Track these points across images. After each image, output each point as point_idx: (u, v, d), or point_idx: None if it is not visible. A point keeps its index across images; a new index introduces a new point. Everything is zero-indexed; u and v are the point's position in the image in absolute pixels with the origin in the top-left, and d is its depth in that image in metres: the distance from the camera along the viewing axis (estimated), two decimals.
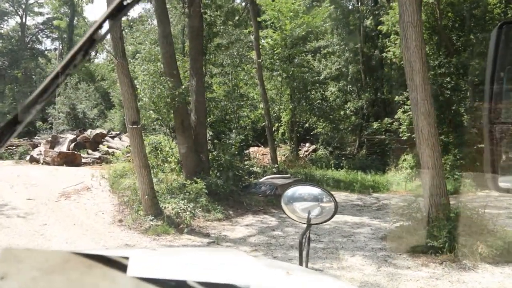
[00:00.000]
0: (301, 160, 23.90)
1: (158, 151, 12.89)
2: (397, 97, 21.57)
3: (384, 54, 22.48)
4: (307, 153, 26.54)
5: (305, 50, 22.33)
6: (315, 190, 2.28)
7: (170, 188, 11.60)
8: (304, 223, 2.11)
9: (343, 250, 7.77)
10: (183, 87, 11.85)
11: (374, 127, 22.48)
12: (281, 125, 24.83)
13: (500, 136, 1.21)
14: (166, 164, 13.06)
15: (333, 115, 25.97)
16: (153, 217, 9.37)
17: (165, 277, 0.62)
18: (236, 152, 13.50)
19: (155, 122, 15.23)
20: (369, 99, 25.59)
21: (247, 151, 20.56)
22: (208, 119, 16.72)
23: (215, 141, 14.74)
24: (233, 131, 15.18)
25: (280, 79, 20.62)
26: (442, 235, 7.26)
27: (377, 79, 27.17)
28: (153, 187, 9.82)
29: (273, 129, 22.14)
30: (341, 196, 14.98)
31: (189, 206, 10.14)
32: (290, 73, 20.29)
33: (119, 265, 0.58)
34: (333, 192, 9.05)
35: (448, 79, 18.65)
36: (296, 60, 20.60)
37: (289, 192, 2.26)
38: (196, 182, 10.90)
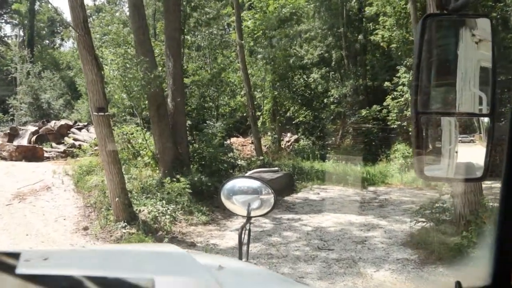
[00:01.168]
0: (284, 151, 22.53)
1: (130, 143, 11.16)
2: (386, 82, 20.40)
3: (372, 37, 21.21)
4: (289, 143, 25.17)
5: (289, 33, 20.81)
6: (254, 183, 2.18)
7: (146, 186, 10.00)
8: (244, 216, 2.03)
9: (362, 262, 6.37)
10: (160, 69, 10.18)
11: (363, 114, 21.21)
12: (262, 114, 23.35)
13: (426, 127, 1.19)
14: (140, 158, 11.39)
15: (316, 103, 24.70)
16: (125, 224, 7.76)
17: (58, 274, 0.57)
18: (220, 144, 11.93)
19: (126, 111, 13.53)
20: (353, 86, 24.31)
21: (229, 141, 19.02)
22: (186, 107, 15.13)
23: (195, 131, 13.13)
24: (216, 119, 13.55)
25: (262, 63, 19.03)
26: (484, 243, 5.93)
27: (361, 65, 25.96)
28: (125, 186, 8.18)
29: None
30: (335, 190, 13.66)
31: (168, 209, 8.55)
32: (272, 56, 18.70)
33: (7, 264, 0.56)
34: (326, 186, 11.58)
35: None
36: (279, 43, 19.02)
37: (229, 184, 2.17)
38: (177, 180, 9.31)
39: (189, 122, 13.60)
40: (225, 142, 16.54)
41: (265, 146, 23.99)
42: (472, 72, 1.12)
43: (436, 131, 1.25)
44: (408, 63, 18.78)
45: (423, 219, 7.62)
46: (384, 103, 20.51)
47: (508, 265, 0.79)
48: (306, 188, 13.89)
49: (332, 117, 25.48)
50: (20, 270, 0.55)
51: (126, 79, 9.82)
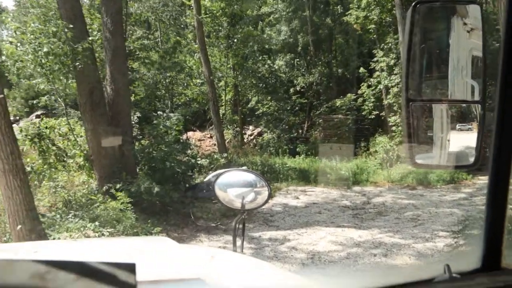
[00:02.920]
0: (247, 146, 20.15)
1: (44, 142, 8.34)
2: (361, 69, 18.39)
3: (345, 18, 19.09)
4: (251, 137, 22.81)
5: (251, 13, 18.37)
6: (248, 176, 2.19)
7: (76, 198, 7.34)
8: (239, 209, 2.01)
9: None
10: (91, 39, 7.48)
11: (337, 104, 19.09)
12: (221, 105, 20.82)
13: (417, 114, 1.21)
14: (70, 159, 8.65)
15: (281, 92, 22.43)
16: None
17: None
18: (175, 140, 9.36)
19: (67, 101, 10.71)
20: (321, 73, 22.19)
21: (185, 136, 16.39)
22: (133, 97, 12.39)
23: (145, 125, 10.47)
24: (171, 110, 10.87)
25: (222, 45, 16.44)
26: None
27: (329, 51, 23.92)
28: (34, 206, 5.49)
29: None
30: (317, 193, 11.42)
31: (103, 234, 5.93)
32: (232, 37, 16.16)
33: (125, 272, 0.57)
34: (304, 188, 11.25)
35: None
36: (239, 23, 16.45)
37: (223, 178, 2.13)
38: (113, 196, 6.70)
39: (137, 114, 10.90)
40: (181, 138, 13.94)
41: (226, 140, 21.52)
42: (464, 60, 1.11)
43: (427, 121, 1.24)
44: (386, 46, 16.82)
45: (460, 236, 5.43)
46: (359, 91, 18.53)
47: (497, 250, 0.80)
48: (281, 191, 11.58)
49: (297, 107, 23.37)
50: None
51: (42, 53, 7.04)
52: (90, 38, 7.40)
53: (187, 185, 9.38)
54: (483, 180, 12.97)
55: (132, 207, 6.82)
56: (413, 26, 1.07)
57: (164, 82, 13.27)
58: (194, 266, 1.13)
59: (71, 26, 7.12)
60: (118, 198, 6.59)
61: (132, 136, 8.91)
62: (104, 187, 7.52)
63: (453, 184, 12.26)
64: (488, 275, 0.81)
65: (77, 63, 7.30)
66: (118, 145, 8.04)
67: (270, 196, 2.21)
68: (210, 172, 12.13)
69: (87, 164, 8.68)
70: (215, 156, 12.82)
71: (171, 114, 8.97)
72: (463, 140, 1.23)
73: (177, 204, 8.20)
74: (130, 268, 0.58)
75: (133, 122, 10.18)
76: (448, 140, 1.27)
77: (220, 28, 15.22)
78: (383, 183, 12.68)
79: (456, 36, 1.11)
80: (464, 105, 1.25)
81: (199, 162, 11.73)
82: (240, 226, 2.00)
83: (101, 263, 0.60)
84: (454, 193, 11.02)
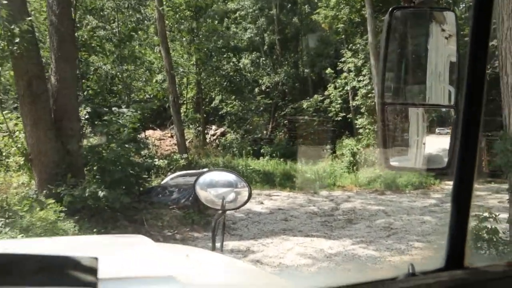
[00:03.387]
0: (209, 146, 19.35)
1: None
2: (328, 69, 17.95)
3: (312, 17, 18.63)
4: (214, 137, 22.03)
5: (217, 9, 17.56)
6: (229, 176, 2.17)
7: (12, 202, 6.37)
8: (219, 209, 1.99)
9: None
10: (29, 19, 6.53)
11: (304, 106, 18.56)
12: (184, 103, 19.93)
13: (392, 118, 1.24)
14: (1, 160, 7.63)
15: (245, 91, 21.76)
16: None
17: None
18: (131, 138, 8.46)
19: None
20: (287, 73, 21.65)
21: (143, 135, 15.42)
22: (85, 92, 11.41)
23: (96, 121, 9.49)
24: (127, 107, 9.93)
25: (185, 40, 15.55)
26: None
27: (296, 51, 23.46)
28: None
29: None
30: (282, 197, 10.79)
31: None
32: (196, 31, 15.29)
33: (88, 266, 0.56)
34: (269, 192, 10.65)
35: None
36: (205, 16, 15.60)
37: (204, 177, 2.12)
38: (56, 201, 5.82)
39: (88, 109, 9.91)
40: (138, 136, 13.00)
41: (187, 140, 20.63)
42: (441, 65, 1.14)
43: (403, 124, 1.28)
44: (354, 47, 16.45)
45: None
46: (326, 93, 18.11)
47: (460, 250, 0.83)
48: None
49: (262, 107, 22.77)
50: None
51: None
52: (29, 19, 6.43)
53: (141, 189, 8.51)
54: (450, 185, 12.70)
55: (71, 215, 5.94)
56: (390, 30, 1.08)
57: (121, 76, 12.26)
58: (167, 264, 1.12)
59: (6, 2, 6.16)
60: (49, 207, 5.68)
61: (80, 133, 7.97)
62: (45, 191, 6.59)
63: (422, 189, 11.95)
64: (450, 273, 0.83)
65: (15, 47, 6.34)
66: (62, 143, 7.11)
67: (250, 197, 2.13)
68: (169, 174, 11.29)
69: (27, 164, 7.69)
70: (175, 157, 11.98)
71: (125, 110, 8.02)
72: (441, 143, 1.23)
73: (129, 211, 7.33)
74: (92, 262, 0.56)
75: (83, 118, 9.22)
76: (424, 144, 1.30)
77: (183, 21, 14.29)
78: (351, 187, 12.21)
79: (434, 41, 1.13)
80: (441, 109, 1.28)
81: (156, 163, 10.88)
82: (220, 226, 2.00)
83: (62, 257, 0.58)
84: (424, 198, 10.67)
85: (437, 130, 1.35)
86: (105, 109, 8.93)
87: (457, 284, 0.83)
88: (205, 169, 11.36)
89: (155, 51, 14.17)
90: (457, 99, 1.09)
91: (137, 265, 1.11)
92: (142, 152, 11.14)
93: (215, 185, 2.09)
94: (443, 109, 1.26)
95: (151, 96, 17.45)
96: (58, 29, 7.32)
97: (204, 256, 1.47)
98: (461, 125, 0.83)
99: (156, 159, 11.10)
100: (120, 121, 8.04)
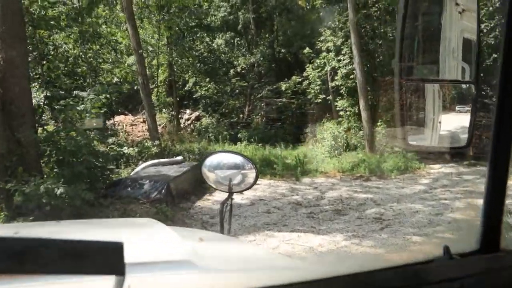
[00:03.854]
0: (184, 131, 18.44)
1: None
2: (307, 49, 17.16)
3: None
4: (189, 121, 21.11)
5: None
6: (236, 158, 2.14)
7: None
8: (226, 191, 2.01)
9: None
10: None
11: (282, 88, 17.79)
12: (156, 86, 18.88)
13: (410, 94, 1.27)
14: None
15: (220, 73, 20.83)
16: None
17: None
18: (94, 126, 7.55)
19: None
20: (263, 54, 20.77)
21: (112, 121, 14.42)
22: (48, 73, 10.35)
23: (56, 106, 8.49)
24: (90, 90, 8.90)
25: (154, 16, 14.44)
26: None
27: (272, 30, 22.54)
28: None
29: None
30: (262, 186, 10.05)
31: None
32: (167, 9, 14.20)
33: (113, 251, 0.55)
34: None
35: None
36: None
37: (210, 159, 2.13)
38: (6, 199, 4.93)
39: (46, 93, 8.87)
40: (107, 123, 12.03)
41: (160, 125, 19.64)
42: (455, 41, 1.11)
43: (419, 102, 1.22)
44: (333, 25, 15.68)
45: None
46: (304, 74, 17.35)
47: (496, 232, 0.82)
48: None
49: (238, 90, 21.91)
50: None
51: None
52: None
53: (108, 182, 7.65)
54: (435, 169, 12.31)
55: (23, 216, 5.08)
56: (407, 5, 1.05)
57: (84, 56, 11.18)
58: (182, 248, 1.09)
59: None
60: None
61: (34, 120, 7.00)
62: None
63: (407, 174, 11.44)
64: (487, 256, 0.82)
65: None
66: (12, 132, 6.17)
67: (257, 179, 2.08)
68: (140, 163, 10.44)
69: None
70: (146, 144, 11.06)
71: (85, 93, 7.06)
72: (461, 121, 1.17)
73: (93, 208, 6.47)
74: (118, 247, 0.54)
75: (40, 103, 8.22)
76: (440, 122, 1.26)
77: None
78: (334, 174, 11.59)
79: (448, 17, 1.10)
80: (462, 86, 1.27)
81: (125, 151, 9.97)
82: (228, 208, 1.98)
83: (87, 242, 0.55)
84: (412, 184, 10.14)
85: (457, 108, 1.34)
86: (61, 92, 7.89)
87: (495, 267, 0.84)
88: (178, 157, 10.54)
89: (122, 29, 13.08)
90: (477, 75, 1.06)
91: (154, 249, 1.07)
92: (110, 140, 10.25)
93: (222, 167, 2.07)
94: (463, 86, 1.25)
95: (121, 79, 16.42)
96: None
97: (217, 240, 1.42)
98: (497, 99, 0.80)
99: (126, 147, 10.17)
100: (80, 106, 7.12)
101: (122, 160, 9.93)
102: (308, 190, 9.65)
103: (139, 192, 7.40)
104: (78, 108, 6.87)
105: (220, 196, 8.79)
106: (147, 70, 17.66)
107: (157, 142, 11.15)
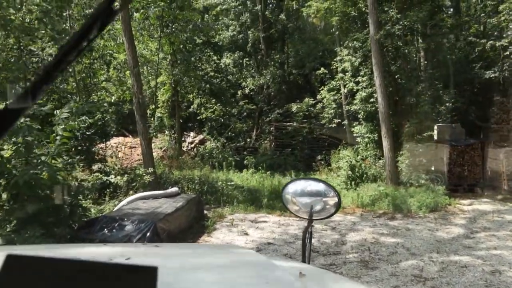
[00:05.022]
0: (186, 156, 17.09)
1: None
2: (321, 69, 15.88)
3: (302, 10, 16.58)
4: (192, 145, 19.78)
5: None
6: (318, 185, 2.10)
7: None
8: (306, 219, 1.99)
9: None
10: None
11: (293, 110, 16.44)
12: (157, 107, 17.63)
13: None
14: None
15: (227, 94, 19.61)
16: None
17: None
18: (67, 149, 6.16)
19: None
20: (273, 75, 19.54)
21: (106, 144, 13.07)
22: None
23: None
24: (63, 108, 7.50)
25: (153, 30, 13.20)
26: None
27: (282, 50, 21.37)
28: None
29: (148, 110, 14.87)
30: (271, 223, 8.65)
31: None
32: (169, 21, 12.94)
33: (147, 276, 0.54)
34: (254, 215, 9.14)
35: None
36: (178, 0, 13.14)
37: (292, 185, 2.10)
38: None
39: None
40: (95, 147, 10.68)
41: (161, 148, 18.33)
42: None
43: None
44: (350, 44, 14.41)
45: None
46: (318, 96, 16.03)
47: None
48: (224, 221, 8.66)
49: (245, 113, 20.68)
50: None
51: None
52: None
53: (84, 220, 6.22)
54: (466, 205, 10.78)
55: None
56: None
57: (71, 70, 9.90)
58: (282, 283, 1.02)
59: None
60: None
61: None
62: None
63: (437, 211, 9.89)
64: None
65: None
66: None
67: (340, 207, 2.04)
68: (131, 193, 9.05)
69: None
70: (138, 172, 9.66)
71: (44, 109, 5.66)
72: None
73: None
74: (152, 272, 0.54)
75: None
76: None
77: (151, 5, 11.92)
78: (353, 209, 10.09)
79: None
80: None
81: (112, 179, 8.57)
82: (308, 236, 1.94)
83: (117, 264, 0.57)
84: (447, 226, 8.59)
85: None
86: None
87: None
88: (173, 189, 9.08)
89: (118, 41, 11.84)
90: None
91: (250, 282, 0.99)
92: (95, 167, 8.89)
93: (303, 193, 2.05)
94: None
95: (120, 97, 15.20)
96: None
97: (318, 275, 1.32)
98: None
99: (113, 176, 8.78)
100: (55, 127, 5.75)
101: (108, 190, 8.55)
102: (325, 231, 8.13)
103: (118, 234, 5.96)
104: (41, 130, 5.49)
105: (224, 234, 7.30)
106: (148, 89, 16.50)
107: (151, 170, 9.74)
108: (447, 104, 14.63)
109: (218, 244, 5.27)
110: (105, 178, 8.43)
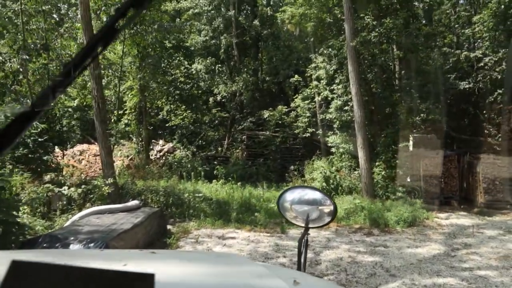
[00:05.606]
0: (154, 165, 16.26)
1: None
2: (295, 76, 15.38)
3: (277, 15, 16.09)
4: (161, 153, 18.93)
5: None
6: (314, 194, 2.10)
7: None
8: (302, 226, 2.00)
9: None
10: None
11: (265, 117, 15.86)
12: (124, 113, 16.77)
13: None
14: None
15: (198, 101, 18.92)
16: None
17: None
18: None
19: None
20: (246, 82, 18.97)
21: (64, 152, 12.17)
22: None
23: None
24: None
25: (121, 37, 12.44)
26: None
27: (256, 57, 20.84)
28: None
29: (111, 116, 14.03)
30: (240, 239, 7.98)
31: None
32: (137, 26, 12.22)
33: (144, 282, 0.55)
34: (222, 230, 8.31)
35: None
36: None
37: (288, 194, 2.10)
38: None
39: None
40: (50, 155, 9.81)
41: (127, 157, 17.46)
42: None
43: None
44: (325, 51, 13.98)
45: None
46: (292, 104, 15.51)
47: None
48: (188, 238, 7.96)
49: (217, 121, 20.05)
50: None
51: None
52: None
53: (22, 240, 5.42)
54: (444, 219, 10.40)
55: None
56: None
57: (23, 70, 9.02)
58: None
59: None
60: None
61: None
62: None
63: (416, 226, 9.45)
64: None
65: None
66: None
67: (336, 216, 2.05)
68: (88, 206, 8.25)
69: None
70: (96, 182, 8.86)
71: None
72: None
73: None
74: (149, 278, 0.55)
75: None
76: None
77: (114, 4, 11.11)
78: (329, 224, 9.52)
79: None
80: None
81: (65, 192, 7.76)
82: (303, 244, 1.94)
83: (114, 271, 0.57)
84: (426, 242, 8.13)
85: None
86: None
87: None
88: (133, 202, 8.31)
89: (78, 41, 11.00)
90: None
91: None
92: (46, 177, 8.06)
93: (299, 202, 2.05)
94: None
95: (82, 102, 14.34)
96: None
97: (313, 283, 1.31)
98: None
99: (66, 187, 7.96)
100: None
101: (60, 203, 7.72)
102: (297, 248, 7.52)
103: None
104: None
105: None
106: (114, 94, 15.65)
107: (111, 180, 8.94)
108: (422, 114, 14.36)
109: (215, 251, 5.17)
110: (56, 189, 7.59)
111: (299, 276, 1.28)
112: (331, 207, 2.01)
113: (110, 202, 8.68)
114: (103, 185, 8.80)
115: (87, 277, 0.55)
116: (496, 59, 13.72)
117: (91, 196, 8.70)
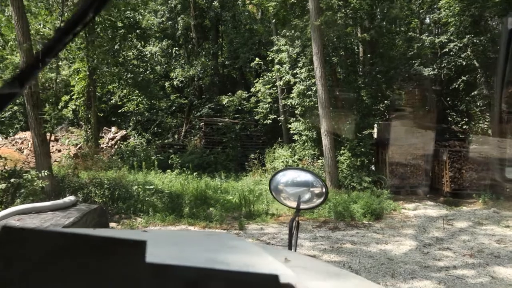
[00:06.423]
0: (104, 154, 15.07)
1: None
2: (256, 59, 14.50)
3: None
4: (113, 141, 17.73)
5: None
6: (306, 175, 2.09)
7: None
8: (293, 208, 1.99)
9: None
10: None
11: (224, 102, 14.95)
12: (72, 98, 15.41)
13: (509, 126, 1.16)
14: None
15: (154, 86, 17.74)
16: None
17: (183, 264, 0.56)
18: None
19: None
20: (204, 66, 17.96)
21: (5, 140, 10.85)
22: None
23: None
24: None
25: (57, 9, 11.13)
26: None
27: (215, 40, 19.81)
28: None
29: (59, 101, 12.72)
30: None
31: None
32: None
33: (136, 249, 0.54)
34: (171, 228, 7.00)
35: None
36: None
37: (279, 176, 2.08)
38: None
39: None
40: None
41: (75, 145, 16.17)
42: None
43: None
44: (288, 33, 13.17)
45: None
46: (252, 89, 14.65)
47: None
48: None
49: (174, 107, 19.01)
50: (150, 258, 0.51)
51: None
52: None
53: None
54: (411, 210, 9.91)
55: None
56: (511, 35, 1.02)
57: None
58: (269, 264, 0.92)
59: None
60: None
61: None
62: None
63: (383, 219, 8.87)
64: None
65: None
66: None
67: (327, 198, 2.04)
68: (17, 203, 7.15)
69: None
70: (28, 176, 7.72)
71: None
72: None
73: None
74: (141, 245, 0.54)
75: None
76: None
77: None
78: (289, 217, 8.80)
79: None
80: None
81: None
82: (295, 225, 1.91)
83: (107, 238, 0.54)
84: (396, 237, 7.53)
85: None
86: None
87: None
88: (69, 198, 7.26)
89: (6, 13, 9.66)
90: None
91: (242, 264, 0.89)
92: None
93: (291, 184, 2.05)
94: None
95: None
96: None
97: (304, 261, 1.24)
98: None
99: None
100: None
101: None
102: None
103: None
104: None
105: None
106: (60, 79, 14.33)
107: (45, 173, 7.82)
108: (386, 101, 13.88)
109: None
110: None
111: (290, 254, 1.23)
112: (323, 189, 2.01)
113: (45, 198, 7.61)
114: (35, 178, 7.68)
115: (79, 242, 0.52)
116: (461, 45, 13.35)
117: (22, 191, 7.59)
